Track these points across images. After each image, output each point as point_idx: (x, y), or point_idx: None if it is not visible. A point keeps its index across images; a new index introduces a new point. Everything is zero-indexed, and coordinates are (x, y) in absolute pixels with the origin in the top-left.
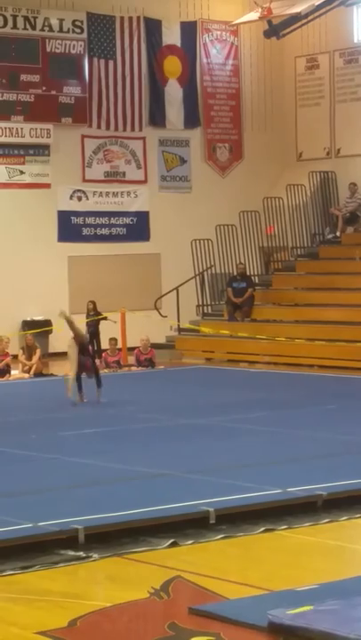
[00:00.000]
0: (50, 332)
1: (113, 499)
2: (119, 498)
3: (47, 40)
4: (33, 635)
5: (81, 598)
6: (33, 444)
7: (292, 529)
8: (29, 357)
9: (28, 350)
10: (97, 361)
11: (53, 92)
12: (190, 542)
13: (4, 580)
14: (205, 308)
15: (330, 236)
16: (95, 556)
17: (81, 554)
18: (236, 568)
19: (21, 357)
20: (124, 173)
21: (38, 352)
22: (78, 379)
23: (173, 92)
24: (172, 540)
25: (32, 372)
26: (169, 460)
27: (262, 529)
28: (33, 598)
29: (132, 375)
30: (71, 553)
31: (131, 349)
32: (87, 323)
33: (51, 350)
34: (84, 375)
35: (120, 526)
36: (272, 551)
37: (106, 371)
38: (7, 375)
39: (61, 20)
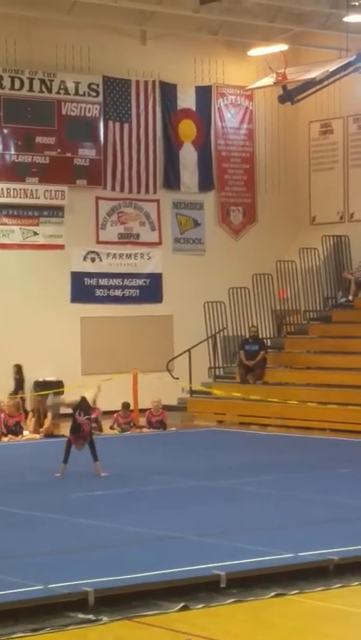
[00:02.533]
0: (62, 392)
1: (123, 561)
2: (130, 560)
3: (63, 103)
4: None
5: None
6: (43, 505)
7: (303, 593)
8: (40, 420)
9: (39, 413)
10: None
11: (68, 155)
12: (201, 606)
13: None
14: (217, 370)
15: (342, 300)
16: (105, 619)
17: (91, 617)
18: (246, 632)
19: (31, 420)
20: (137, 235)
21: (50, 416)
22: (68, 445)
23: (188, 156)
24: (182, 604)
25: (43, 432)
26: (180, 522)
27: (273, 593)
28: None
29: (143, 437)
30: (81, 616)
31: (142, 411)
32: None
33: (62, 411)
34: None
35: (130, 589)
36: (283, 616)
37: (116, 431)
38: (20, 435)
39: (77, 83)
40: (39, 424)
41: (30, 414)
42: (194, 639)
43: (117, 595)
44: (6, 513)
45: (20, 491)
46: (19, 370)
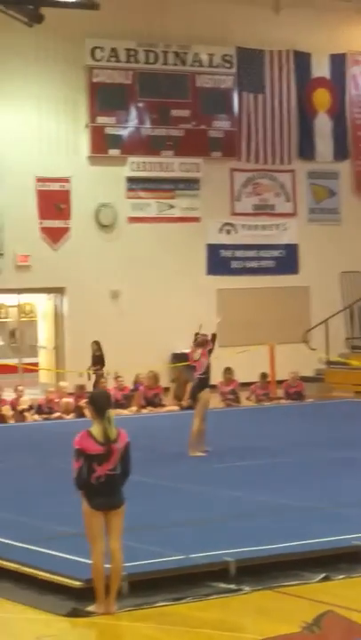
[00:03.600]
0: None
1: (264, 532)
2: (271, 531)
3: (197, 75)
4: None
5: (233, 630)
6: (185, 476)
7: None
8: (179, 392)
9: (178, 385)
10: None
11: (203, 127)
12: (342, 577)
13: (156, 612)
14: (355, 340)
15: None
16: (246, 588)
17: (232, 586)
18: None
19: (172, 392)
20: (273, 206)
21: (189, 386)
22: None
23: (323, 125)
24: (323, 575)
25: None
26: (319, 493)
27: None
28: (185, 630)
29: (281, 408)
30: (222, 585)
31: (279, 382)
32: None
33: None
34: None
35: (272, 559)
36: None
37: (253, 403)
38: (159, 407)
39: (211, 55)
40: (178, 396)
41: (171, 385)
42: (336, 609)
43: (259, 565)
44: (147, 484)
45: (160, 462)
46: (98, 347)
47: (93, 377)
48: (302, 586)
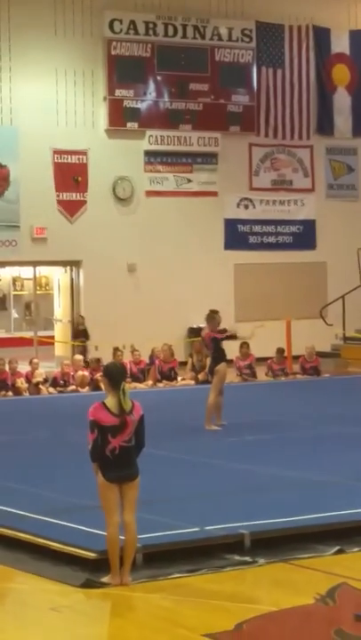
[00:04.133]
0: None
1: (279, 505)
2: (285, 504)
3: (216, 49)
4: (200, 637)
5: (247, 602)
6: (200, 449)
7: None
8: (195, 366)
9: (198, 356)
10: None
11: (222, 101)
12: (357, 549)
13: (171, 583)
14: None
15: None
16: (261, 561)
17: (247, 559)
18: None
19: (190, 365)
20: (291, 182)
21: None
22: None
23: (342, 100)
24: (338, 547)
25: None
26: (334, 467)
27: None
28: (199, 601)
29: (297, 383)
30: (237, 558)
31: (296, 358)
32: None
33: None
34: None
35: (286, 532)
36: None
37: (269, 378)
38: (174, 381)
39: (230, 29)
40: (195, 370)
41: (190, 359)
42: (349, 582)
43: (273, 537)
44: (162, 457)
45: (176, 436)
46: (82, 320)
47: (77, 349)
48: (316, 558)
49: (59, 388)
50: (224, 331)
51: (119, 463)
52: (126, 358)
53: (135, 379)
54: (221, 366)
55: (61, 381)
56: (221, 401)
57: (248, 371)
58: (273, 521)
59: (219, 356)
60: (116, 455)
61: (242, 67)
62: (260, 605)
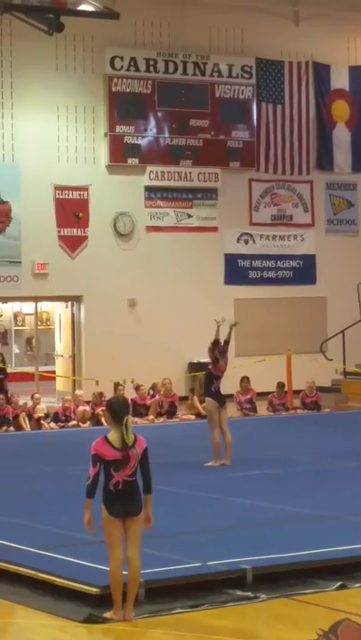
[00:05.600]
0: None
1: (281, 540)
2: (287, 539)
3: (216, 85)
4: None
5: (249, 638)
6: (201, 484)
7: None
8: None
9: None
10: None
11: (222, 137)
12: (358, 585)
13: (173, 618)
14: None
15: None
16: (263, 596)
17: (249, 594)
18: None
19: (192, 399)
20: (290, 217)
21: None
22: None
23: (341, 136)
24: (340, 583)
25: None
26: (336, 502)
27: None
28: (202, 637)
29: (297, 418)
30: (239, 593)
31: (296, 392)
32: None
33: None
34: None
35: (288, 567)
36: None
37: (270, 413)
38: (175, 416)
39: (230, 66)
40: (197, 403)
41: (190, 394)
42: (352, 618)
43: (275, 572)
44: (164, 492)
45: (177, 470)
46: (2, 358)
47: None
48: (319, 594)
49: (60, 424)
50: (215, 360)
51: (122, 498)
52: (128, 393)
53: (138, 414)
54: (206, 402)
55: (63, 417)
56: (218, 438)
57: (249, 405)
58: (275, 556)
59: (206, 391)
60: (120, 490)
61: (242, 102)
62: None
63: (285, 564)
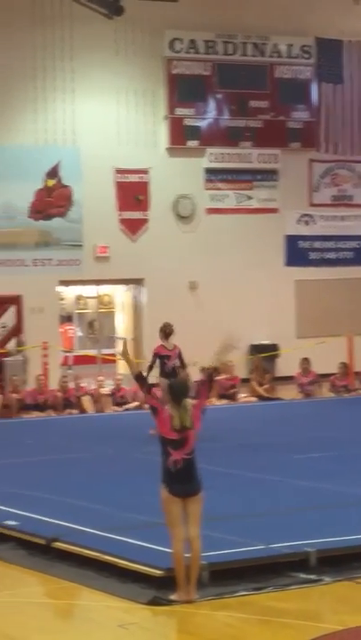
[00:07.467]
0: (277, 356)
1: (345, 522)
2: (351, 521)
3: (276, 66)
4: None
5: (313, 621)
6: (262, 467)
7: None
8: (261, 380)
9: (259, 373)
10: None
11: (282, 118)
12: None
13: (237, 601)
14: None
15: None
16: (327, 579)
17: (312, 577)
18: None
19: (254, 381)
20: (351, 197)
21: (268, 376)
22: None
23: None
24: None
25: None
26: None
27: None
28: (265, 619)
29: (359, 399)
30: (303, 575)
31: (357, 374)
32: None
33: (277, 374)
34: None
35: (352, 550)
36: None
37: (332, 394)
38: (236, 397)
39: (290, 46)
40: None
41: (253, 375)
42: None
43: (339, 555)
44: (226, 474)
45: (239, 453)
46: None
47: None
48: None
49: (124, 406)
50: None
51: (182, 477)
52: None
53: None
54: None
55: (124, 399)
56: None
57: (310, 387)
58: (339, 539)
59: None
60: (179, 469)
61: (302, 83)
62: (325, 624)
63: (349, 546)
